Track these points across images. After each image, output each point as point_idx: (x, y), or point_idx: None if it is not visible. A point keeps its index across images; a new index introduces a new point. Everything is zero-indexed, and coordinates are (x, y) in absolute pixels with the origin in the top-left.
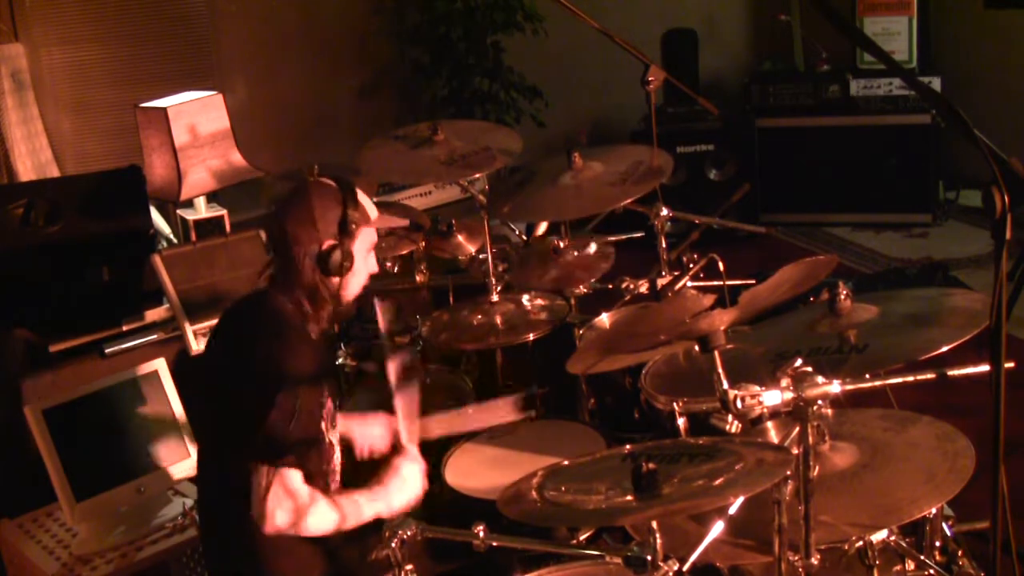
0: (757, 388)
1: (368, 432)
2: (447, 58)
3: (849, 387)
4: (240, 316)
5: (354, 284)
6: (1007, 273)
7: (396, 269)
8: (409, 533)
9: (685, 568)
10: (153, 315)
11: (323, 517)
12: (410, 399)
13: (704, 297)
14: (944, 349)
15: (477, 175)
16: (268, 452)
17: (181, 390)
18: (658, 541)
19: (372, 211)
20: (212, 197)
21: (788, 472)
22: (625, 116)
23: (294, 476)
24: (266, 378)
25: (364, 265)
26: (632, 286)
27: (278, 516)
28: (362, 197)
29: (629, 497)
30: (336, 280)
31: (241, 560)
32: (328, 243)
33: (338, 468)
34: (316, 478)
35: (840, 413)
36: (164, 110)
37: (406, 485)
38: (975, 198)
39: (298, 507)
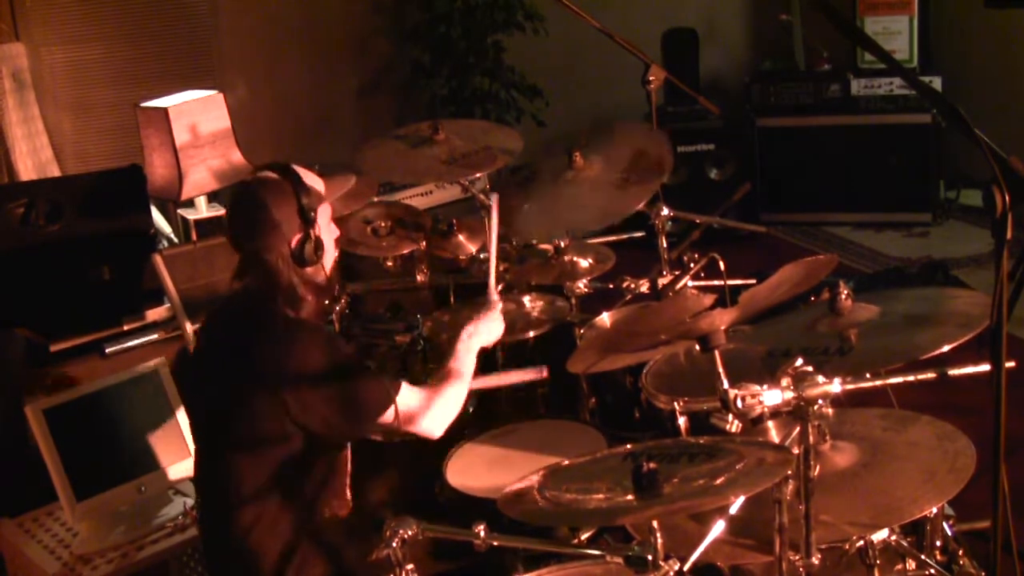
0: (757, 388)
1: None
2: (447, 57)
3: (849, 387)
4: (239, 322)
5: (328, 261)
6: (1008, 272)
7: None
8: (410, 533)
9: (686, 568)
10: (154, 314)
11: (452, 391)
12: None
13: (704, 297)
14: (945, 348)
15: (478, 174)
16: (386, 401)
17: (181, 389)
18: (659, 540)
19: (319, 184)
20: (213, 196)
21: (789, 472)
22: (625, 116)
23: (406, 392)
24: (299, 378)
25: (330, 239)
26: (633, 285)
27: (435, 426)
28: (306, 175)
29: (630, 497)
30: (312, 268)
31: (241, 560)
32: (296, 238)
33: None
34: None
35: (840, 413)
36: (165, 109)
37: (494, 321)
38: (976, 197)
39: (433, 405)
